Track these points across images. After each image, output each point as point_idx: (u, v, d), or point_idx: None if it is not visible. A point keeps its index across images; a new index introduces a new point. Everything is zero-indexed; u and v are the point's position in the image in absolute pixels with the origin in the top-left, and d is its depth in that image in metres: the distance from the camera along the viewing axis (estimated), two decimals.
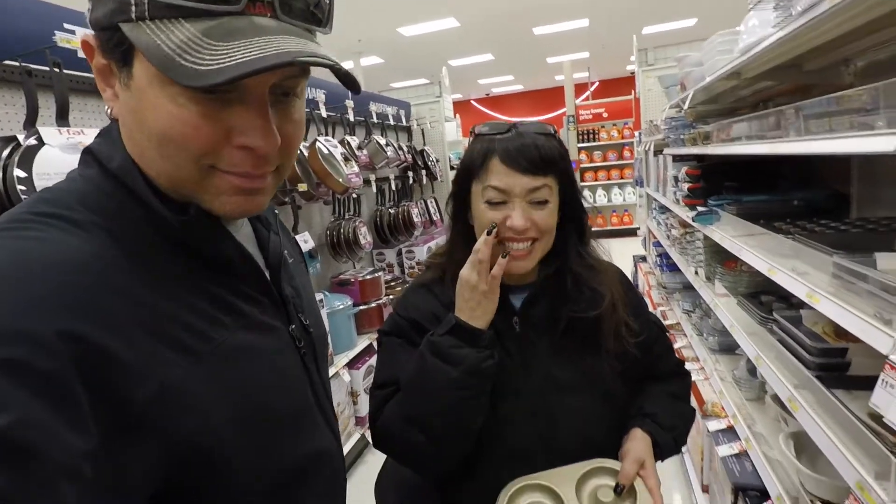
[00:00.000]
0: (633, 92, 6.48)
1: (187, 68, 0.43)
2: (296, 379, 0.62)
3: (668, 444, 0.92)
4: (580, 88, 11.25)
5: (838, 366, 1.18)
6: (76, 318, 0.41)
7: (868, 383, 0.87)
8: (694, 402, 2.14)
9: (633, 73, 5.05)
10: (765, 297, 1.71)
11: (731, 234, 1.74)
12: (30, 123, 1.29)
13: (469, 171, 0.90)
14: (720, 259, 2.13)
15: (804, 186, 1.98)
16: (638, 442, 0.89)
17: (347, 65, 0.44)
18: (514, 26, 8.43)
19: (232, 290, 0.56)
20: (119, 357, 0.43)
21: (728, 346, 2.20)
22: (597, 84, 12.89)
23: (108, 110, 0.53)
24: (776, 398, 1.56)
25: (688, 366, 2.55)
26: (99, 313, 0.43)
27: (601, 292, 0.91)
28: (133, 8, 0.44)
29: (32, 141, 1.25)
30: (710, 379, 2.16)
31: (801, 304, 1.40)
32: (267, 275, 0.62)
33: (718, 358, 2.21)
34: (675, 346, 2.80)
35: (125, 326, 0.44)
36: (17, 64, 1.30)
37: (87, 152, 0.54)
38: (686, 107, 2.33)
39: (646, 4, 7.78)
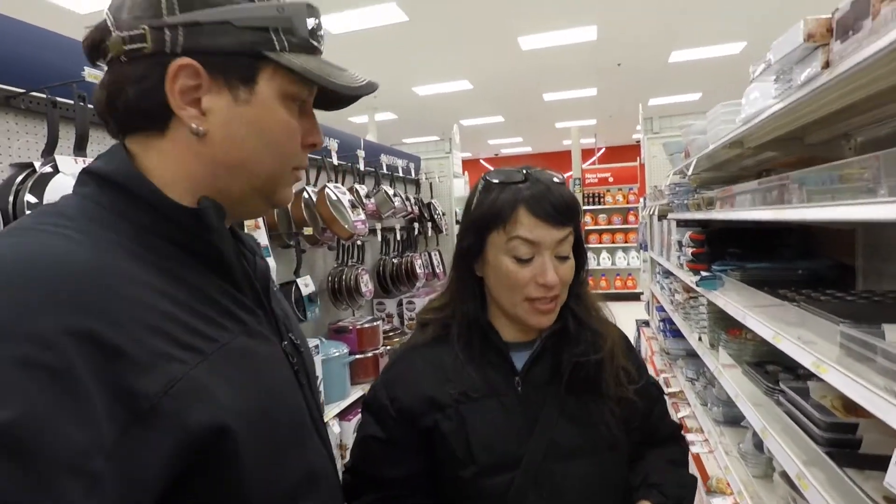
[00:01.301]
0: (638, 158, 6.64)
1: (341, 84, 0.59)
2: (293, 392, 0.63)
3: None
4: (587, 153, 11.56)
5: (849, 442, 1.12)
6: (82, 314, 0.42)
7: (881, 463, 0.82)
8: (697, 476, 2.04)
9: (638, 141, 5.20)
10: (770, 366, 1.67)
11: (736, 300, 1.71)
12: (48, 152, 1.32)
13: (490, 221, 0.85)
14: (724, 326, 2.09)
15: (807, 256, 1.97)
16: None
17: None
18: (524, 91, 8.81)
19: (230, 298, 0.58)
20: (126, 351, 0.44)
21: (733, 418, 2.11)
22: (603, 150, 13.26)
23: (197, 126, 0.55)
24: (784, 475, 1.48)
25: (691, 437, 2.43)
26: (103, 311, 0.44)
27: (602, 334, 0.89)
28: (276, 42, 0.56)
29: (48, 168, 1.28)
30: (714, 452, 2.06)
31: (808, 376, 1.35)
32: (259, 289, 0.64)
33: (723, 430, 2.12)
34: (679, 415, 2.69)
35: (129, 324, 0.45)
36: (43, 96, 1.35)
37: (84, 172, 0.57)
38: (690, 173, 2.37)
39: (653, 78, 8.13)
